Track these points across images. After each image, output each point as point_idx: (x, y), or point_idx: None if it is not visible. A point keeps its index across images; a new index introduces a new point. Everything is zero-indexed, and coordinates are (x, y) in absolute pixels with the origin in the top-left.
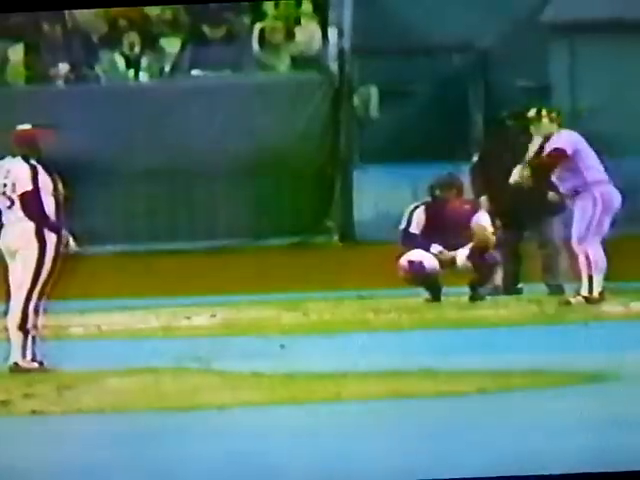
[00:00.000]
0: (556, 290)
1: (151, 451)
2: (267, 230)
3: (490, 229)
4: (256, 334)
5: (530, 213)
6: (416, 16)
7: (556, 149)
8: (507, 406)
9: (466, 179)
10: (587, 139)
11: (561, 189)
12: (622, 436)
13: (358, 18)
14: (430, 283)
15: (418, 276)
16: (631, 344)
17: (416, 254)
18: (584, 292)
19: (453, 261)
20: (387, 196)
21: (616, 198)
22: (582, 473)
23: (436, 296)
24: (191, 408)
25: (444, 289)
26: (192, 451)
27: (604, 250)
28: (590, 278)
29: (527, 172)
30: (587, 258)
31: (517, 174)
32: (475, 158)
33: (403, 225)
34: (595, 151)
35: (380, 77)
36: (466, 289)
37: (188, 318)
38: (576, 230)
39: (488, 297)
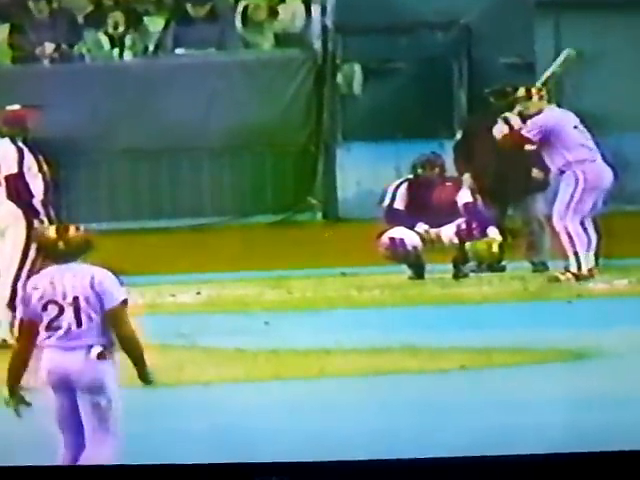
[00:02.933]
0: (540, 267)
1: (136, 427)
2: (251, 208)
3: (495, 248)
4: (240, 311)
5: (513, 190)
6: None
7: (530, 132)
8: (490, 383)
9: (450, 157)
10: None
11: (550, 167)
12: (604, 414)
13: None
14: (412, 260)
15: (399, 253)
16: (614, 321)
17: (397, 231)
18: (573, 269)
19: (439, 239)
20: (370, 174)
21: (604, 176)
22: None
23: (419, 274)
24: (176, 384)
25: (428, 267)
26: (177, 427)
27: (595, 227)
28: (576, 255)
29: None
30: (569, 235)
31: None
32: (458, 135)
33: (387, 202)
34: (586, 127)
35: (363, 55)
36: (449, 266)
37: (173, 295)
38: (556, 208)
39: (471, 275)
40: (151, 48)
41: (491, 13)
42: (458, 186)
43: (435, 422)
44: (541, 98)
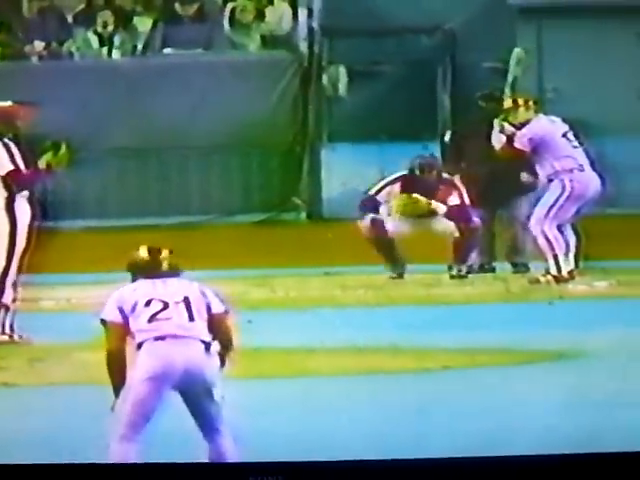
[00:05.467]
0: (521, 268)
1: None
2: (237, 207)
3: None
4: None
5: (503, 192)
6: None
7: (520, 144)
8: (471, 384)
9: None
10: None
11: (539, 175)
12: (585, 415)
13: None
14: (391, 249)
15: (379, 237)
16: (595, 323)
17: (380, 215)
18: (553, 271)
19: (432, 210)
20: (355, 174)
21: (590, 185)
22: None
23: (398, 271)
24: None
25: (412, 267)
26: (162, 423)
27: (574, 230)
28: (555, 257)
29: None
30: (547, 239)
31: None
32: (447, 137)
33: (372, 191)
34: (576, 134)
35: (349, 57)
36: (432, 267)
37: None
38: (536, 212)
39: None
40: (140, 47)
41: (475, 18)
42: (451, 190)
43: (418, 422)
44: (528, 108)
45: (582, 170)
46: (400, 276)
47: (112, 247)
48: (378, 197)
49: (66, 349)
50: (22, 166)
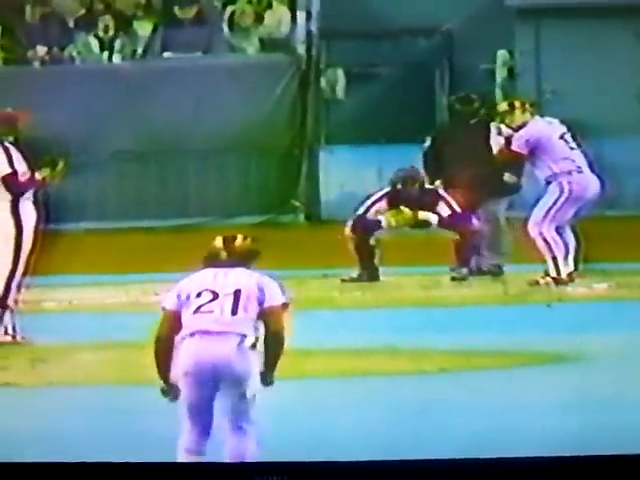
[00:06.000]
0: (492, 270)
1: (121, 424)
2: (235, 209)
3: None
4: None
5: (485, 195)
6: (382, 0)
7: (517, 146)
8: (469, 386)
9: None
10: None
11: (538, 176)
12: (583, 417)
13: (326, 1)
14: (368, 255)
15: (362, 235)
16: (594, 325)
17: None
18: (552, 273)
19: (425, 221)
20: (353, 176)
21: (589, 187)
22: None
23: (370, 275)
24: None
25: (410, 269)
26: (161, 424)
27: (575, 234)
28: (554, 259)
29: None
30: (545, 241)
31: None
32: (427, 143)
33: (360, 211)
34: (573, 136)
35: (347, 59)
36: (430, 269)
37: (157, 294)
38: (534, 214)
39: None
40: (140, 51)
41: (472, 20)
42: (437, 200)
43: (416, 424)
44: (524, 111)
45: (580, 172)
46: (374, 278)
47: (112, 249)
48: (368, 215)
49: (67, 350)
50: (21, 170)
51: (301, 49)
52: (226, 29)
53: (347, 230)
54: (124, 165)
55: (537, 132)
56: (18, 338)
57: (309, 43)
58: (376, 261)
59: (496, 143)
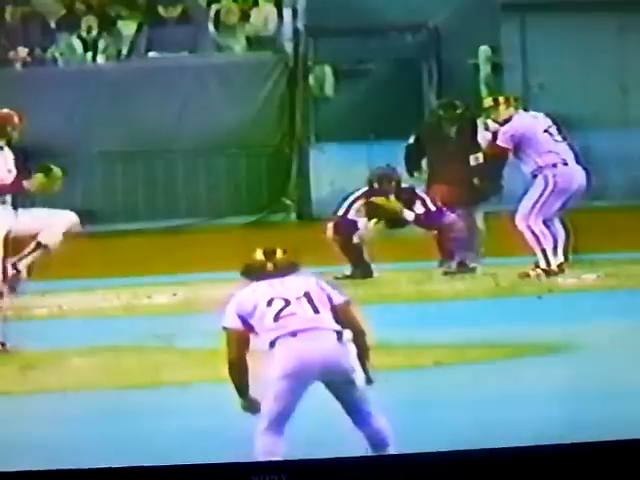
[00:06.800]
0: (462, 267)
1: (114, 429)
2: (225, 209)
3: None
4: (216, 312)
5: (462, 195)
6: None
7: (502, 141)
8: (463, 379)
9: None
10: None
11: (524, 170)
12: (576, 406)
13: None
14: (356, 253)
15: (345, 235)
16: (584, 315)
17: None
18: (542, 265)
19: (402, 218)
20: (343, 174)
21: (574, 179)
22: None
23: (364, 271)
24: (153, 385)
25: (402, 264)
26: (154, 428)
27: (563, 224)
28: (544, 251)
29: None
30: (533, 233)
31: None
32: (411, 140)
33: (341, 212)
34: (559, 129)
35: (335, 57)
36: (422, 264)
37: (149, 297)
38: (521, 207)
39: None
40: (124, 52)
41: (458, 15)
42: (414, 198)
43: (411, 418)
44: (509, 105)
45: (566, 164)
46: (367, 276)
47: (102, 252)
48: (348, 216)
49: (58, 356)
50: (9, 172)
51: (288, 47)
52: (212, 28)
53: (329, 232)
54: (111, 166)
55: (521, 126)
56: (7, 347)
57: (296, 41)
58: (366, 257)
59: (483, 138)
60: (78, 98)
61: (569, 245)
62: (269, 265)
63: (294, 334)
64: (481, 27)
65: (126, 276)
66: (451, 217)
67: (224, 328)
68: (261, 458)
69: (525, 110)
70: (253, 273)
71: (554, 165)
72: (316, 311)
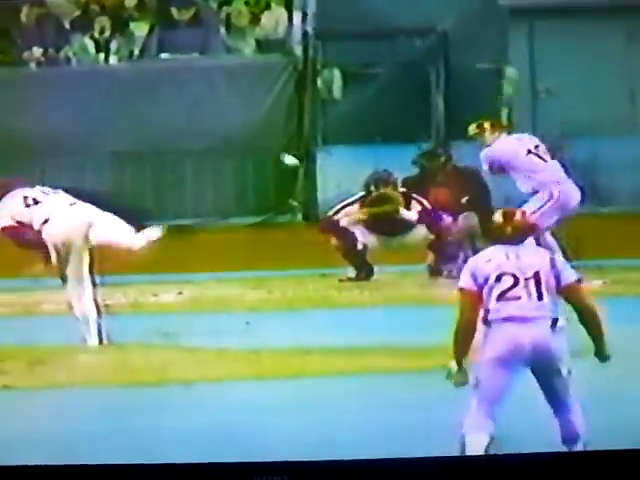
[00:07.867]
0: (435, 272)
1: (119, 426)
2: (232, 210)
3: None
4: (222, 311)
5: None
6: (378, 0)
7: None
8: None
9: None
10: (545, 120)
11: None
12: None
13: (322, 2)
14: (357, 255)
15: (343, 244)
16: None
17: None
18: None
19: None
20: (350, 176)
21: (573, 197)
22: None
23: (367, 272)
24: (159, 383)
25: (408, 267)
26: (160, 425)
27: (555, 237)
28: None
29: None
30: None
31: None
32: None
33: (331, 212)
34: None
35: (343, 60)
36: (424, 267)
37: (155, 295)
38: None
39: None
40: (136, 52)
41: (467, 20)
42: (409, 201)
43: (414, 422)
44: (494, 131)
45: (566, 181)
46: (368, 276)
47: (108, 250)
48: (337, 217)
49: (66, 351)
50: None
51: (297, 50)
52: (223, 30)
53: (320, 231)
54: (120, 166)
55: (499, 151)
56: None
57: (305, 44)
58: (368, 259)
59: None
60: (90, 98)
61: (567, 254)
62: (507, 229)
63: (512, 319)
64: (489, 32)
65: (133, 274)
66: (448, 220)
67: (459, 289)
68: (469, 433)
69: (531, 116)
70: (493, 235)
71: (557, 182)
72: (540, 297)
